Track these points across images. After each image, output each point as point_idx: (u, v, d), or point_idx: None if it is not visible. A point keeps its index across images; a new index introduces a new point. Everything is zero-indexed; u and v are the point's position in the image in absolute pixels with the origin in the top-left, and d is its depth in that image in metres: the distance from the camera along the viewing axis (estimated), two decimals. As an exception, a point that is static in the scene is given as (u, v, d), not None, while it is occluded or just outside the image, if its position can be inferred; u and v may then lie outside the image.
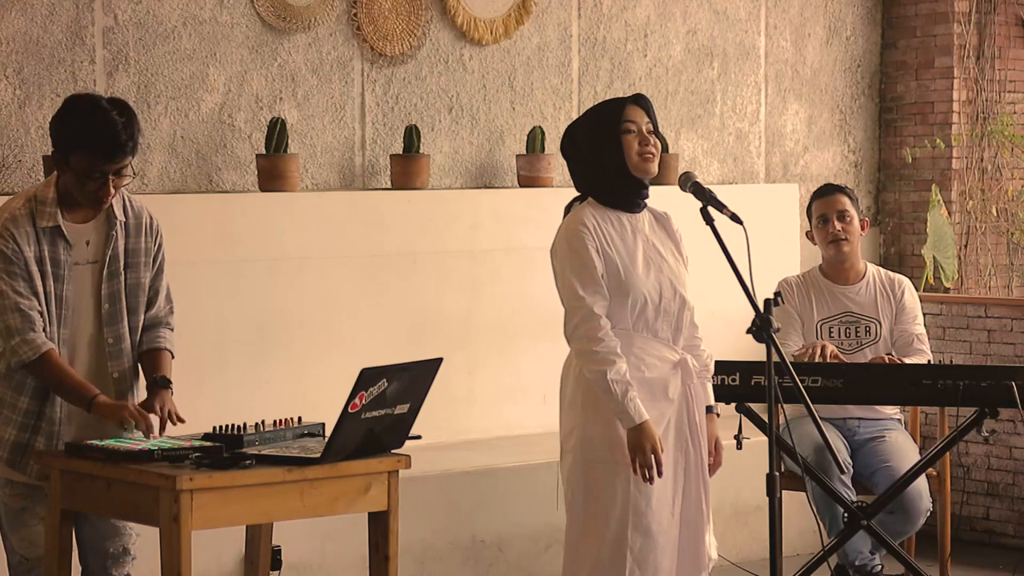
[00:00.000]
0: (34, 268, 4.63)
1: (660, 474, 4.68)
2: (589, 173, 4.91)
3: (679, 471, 4.84)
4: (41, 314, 4.65)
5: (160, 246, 4.88)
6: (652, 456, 4.65)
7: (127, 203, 4.80)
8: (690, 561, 4.89)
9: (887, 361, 6.21)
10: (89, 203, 4.67)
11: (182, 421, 4.75)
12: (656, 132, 4.87)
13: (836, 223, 6.48)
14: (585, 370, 4.74)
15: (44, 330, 4.64)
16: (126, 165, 4.64)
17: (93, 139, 4.57)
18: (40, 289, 4.64)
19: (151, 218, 4.86)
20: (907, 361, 6.27)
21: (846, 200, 6.51)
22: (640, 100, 4.89)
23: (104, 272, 4.73)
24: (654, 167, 4.85)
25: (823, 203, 6.53)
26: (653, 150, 4.82)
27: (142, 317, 4.83)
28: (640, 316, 4.80)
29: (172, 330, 4.92)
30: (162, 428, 4.71)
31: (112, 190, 4.64)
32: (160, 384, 4.77)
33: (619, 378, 4.67)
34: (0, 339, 4.66)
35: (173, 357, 4.89)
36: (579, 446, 4.82)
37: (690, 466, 4.87)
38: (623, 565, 4.74)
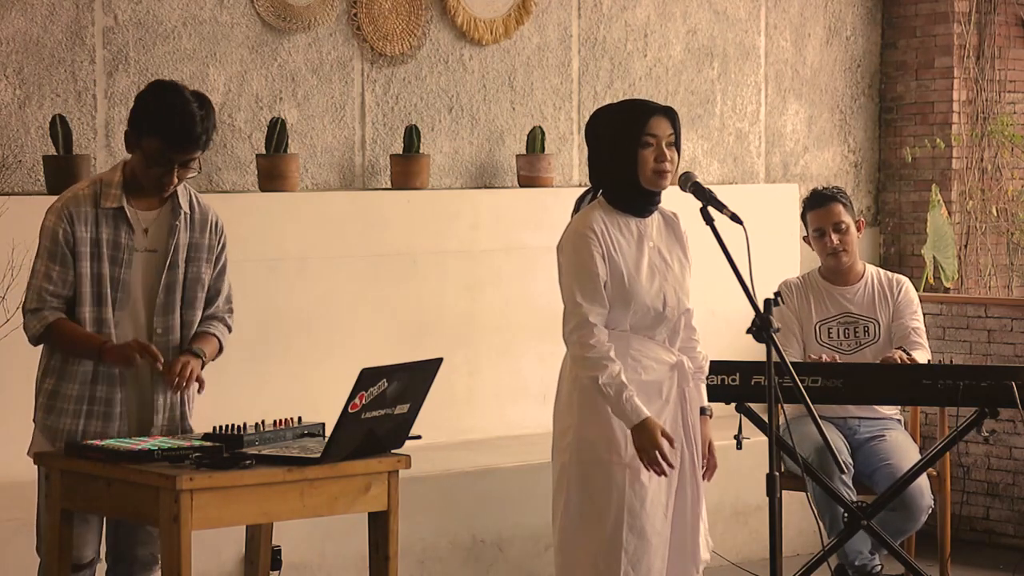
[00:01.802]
0: (84, 249, 4.66)
1: (672, 465, 4.68)
2: (603, 172, 4.89)
3: (673, 472, 4.84)
4: (67, 300, 4.67)
5: (223, 246, 4.89)
6: (656, 452, 4.66)
7: (193, 199, 4.82)
8: (683, 561, 4.89)
9: (896, 357, 6.18)
10: (151, 188, 4.69)
11: (200, 385, 4.75)
12: (676, 144, 4.84)
13: (833, 236, 6.44)
14: (580, 376, 4.76)
15: (70, 311, 4.67)
16: (195, 158, 4.67)
17: (168, 126, 4.60)
18: (86, 271, 4.66)
19: (216, 218, 4.88)
20: (914, 354, 6.26)
21: (841, 209, 6.45)
22: (668, 112, 4.84)
23: (166, 262, 4.74)
24: (666, 183, 4.81)
25: (818, 215, 6.47)
26: (668, 166, 4.78)
27: (199, 313, 4.84)
28: (640, 321, 4.80)
29: (229, 329, 4.93)
30: (176, 385, 4.69)
31: (175, 179, 4.67)
32: (189, 351, 4.76)
33: (611, 381, 4.67)
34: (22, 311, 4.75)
35: (222, 350, 4.90)
36: (574, 446, 4.82)
37: (684, 467, 4.87)
38: (618, 566, 4.75)
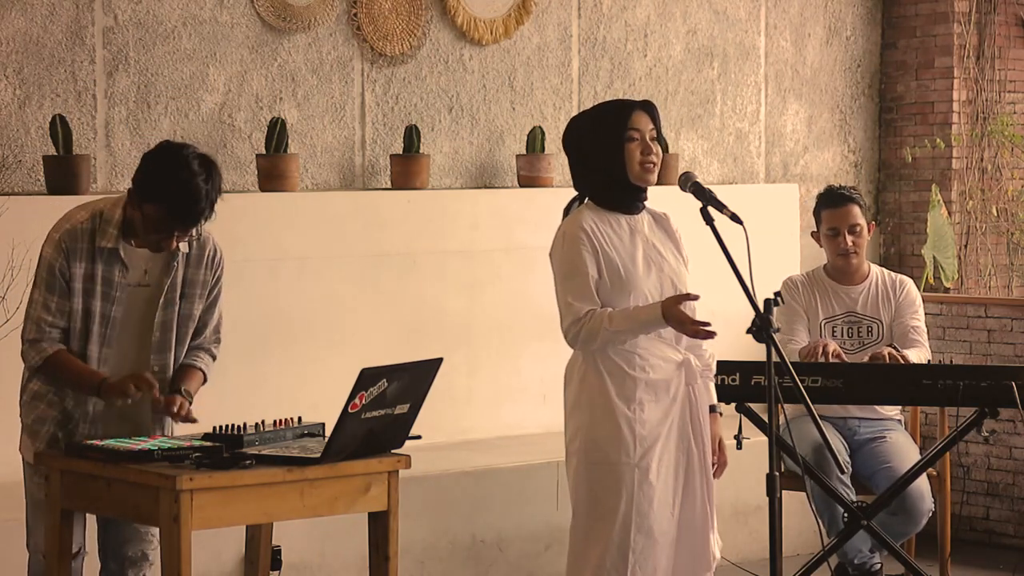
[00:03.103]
0: (77, 285, 4.64)
1: (708, 324, 4.69)
2: (588, 174, 4.91)
3: (681, 471, 4.85)
4: (65, 330, 4.66)
5: (219, 279, 4.86)
6: (689, 325, 4.68)
7: (193, 233, 4.74)
8: (693, 561, 4.89)
9: (888, 354, 6.18)
10: (148, 246, 4.67)
11: (191, 420, 4.74)
12: (659, 138, 4.86)
13: (847, 237, 6.43)
14: (594, 349, 4.76)
15: (67, 342, 4.66)
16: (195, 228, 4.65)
17: (172, 200, 4.54)
18: (78, 307, 4.65)
19: (215, 250, 4.83)
20: (907, 352, 6.26)
21: (857, 211, 6.44)
22: (647, 107, 4.87)
23: (161, 300, 4.72)
24: (653, 177, 4.84)
25: (834, 215, 6.45)
26: (655, 159, 4.81)
27: (185, 348, 4.83)
28: (642, 315, 4.81)
29: (214, 359, 4.90)
30: (173, 416, 4.69)
31: (174, 244, 4.64)
32: (177, 391, 4.75)
33: (612, 319, 4.70)
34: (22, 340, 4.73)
35: (206, 381, 4.87)
36: (583, 448, 4.83)
37: (693, 466, 4.87)
38: (625, 565, 4.76)
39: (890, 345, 6.32)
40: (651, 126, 4.84)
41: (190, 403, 4.76)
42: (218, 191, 4.61)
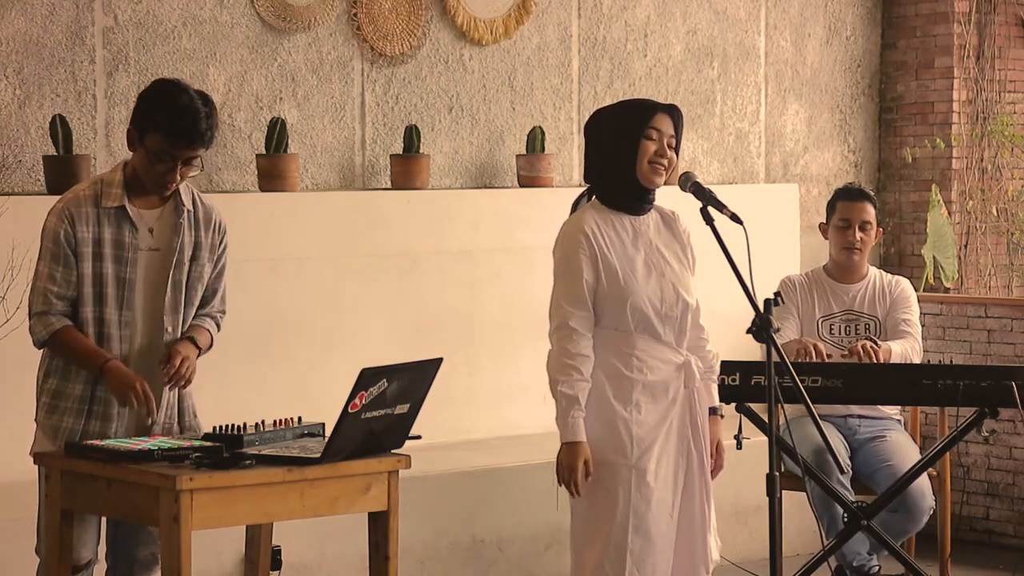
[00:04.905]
0: (86, 250, 4.65)
1: (579, 493, 4.73)
2: (599, 166, 4.90)
3: (680, 473, 4.84)
4: (73, 301, 4.66)
5: (224, 246, 4.90)
6: (572, 476, 4.70)
7: (196, 198, 4.83)
8: (691, 562, 4.88)
9: (862, 348, 6.19)
10: (153, 185, 4.70)
11: (188, 381, 4.74)
12: (676, 147, 4.85)
13: (856, 232, 6.50)
14: (548, 369, 4.79)
15: (78, 309, 4.67)
16: (198, 155, 4.67)
17: (173, 123, 4.61)
18: (88, 271, 4.66)
19: (219, 218, 4.89)
20: (891, 343, 6.29)
21: (871, 210, 6.53)
22: (673, 111, 4.86)
23: (171, 261, 4.74)
24: (661, 180, 4.82)
25: (848, 208, 6.52)
26: (665, 162, 4.79)
27: (195, 311, 4.86)
28: (641, 320, 4.80)
29: (219, 328, 4.94)
30: (175, 383, 4.70)
31: (178, 177, 4.68)
32: (187, 339, 4.76)
33: (569, 392, 4.72)
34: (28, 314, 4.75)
35: (212, 345, 4.90)
36: (581, 449, 4.83)
37: (692, 468, 4.86)
38: (623, 567, 4.75)
39: (868, 339, 6.35)
40: (671, 132, 4.82)
41: (199, 355, 4.78)
42: (216, 120, 4.68)
